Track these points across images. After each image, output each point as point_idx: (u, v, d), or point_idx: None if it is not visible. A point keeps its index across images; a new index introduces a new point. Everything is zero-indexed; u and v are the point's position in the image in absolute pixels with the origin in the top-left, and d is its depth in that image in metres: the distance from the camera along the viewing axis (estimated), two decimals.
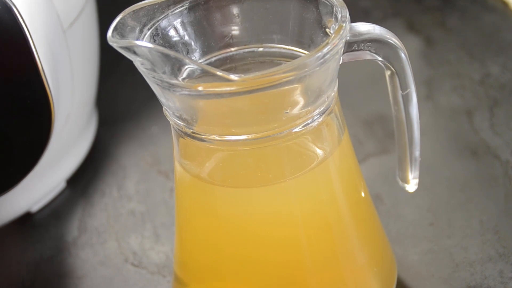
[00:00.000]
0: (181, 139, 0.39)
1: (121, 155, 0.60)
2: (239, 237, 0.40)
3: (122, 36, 0.37)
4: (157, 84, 0.37)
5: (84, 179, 0.58)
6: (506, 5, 0.69)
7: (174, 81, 0.36)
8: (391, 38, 0.39)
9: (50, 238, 0.54)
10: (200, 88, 0.35)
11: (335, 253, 0.41)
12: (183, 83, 0.37)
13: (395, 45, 0.39)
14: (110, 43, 0.36)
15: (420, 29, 0.68)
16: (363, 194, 0.43)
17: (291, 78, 0.35)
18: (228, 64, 0.41)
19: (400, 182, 0.45)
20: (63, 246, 0.53)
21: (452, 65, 0.64)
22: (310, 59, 0.35)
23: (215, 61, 0.41)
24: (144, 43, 0.37)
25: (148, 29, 0.39)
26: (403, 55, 0.39)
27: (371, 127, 0.59)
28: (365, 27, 0.38)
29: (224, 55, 0.41)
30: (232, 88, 0.35)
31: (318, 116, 0.38)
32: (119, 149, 0.60)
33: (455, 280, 0.46)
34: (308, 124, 0.38)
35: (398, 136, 0.43)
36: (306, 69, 0.35)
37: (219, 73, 0.35)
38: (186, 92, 0.36)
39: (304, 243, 0.40)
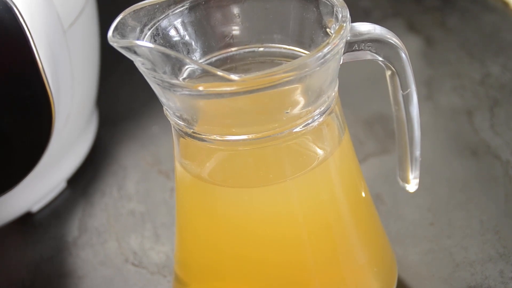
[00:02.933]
0: (181, 139, 0.39)
1: (121, 155, 0.60)
2: (240, 237, 0.40)
3: (123, 36, 0.37)
4: (158, 84, 0.37)
5: (85, 179, 0.58)
6: (506, 5, 0.69)
7: (174, 81, 0.36)
8: (392, 38, 0.39)
9: (50, 238, 0.54)
10: (200, 88, 0.35)
11: (336, 253, 0.41)
12: (183, 83, 0.37)
13: (395, 45, 0.39)
14: (111, 43, 0.36)
15: (420, 29, 0.68)
16: (363, 194, 0.43)
17: (291, 78, 0.35)
18: (228, 64, 0.41)
19: (401, 182, 0.45)
20: (63, 246, 0.53)
21: (452, 65, 0.64)
22: (310, 59, 0.35)
23: (216, 61, 0.41)
24: (145, 43, 0.37)
25: (149, 29, 0.39)
26: (403, 55, 0.39)
27: (371, 127, 0.59)
28: (365, 27, 0.38)
29: (224, 55, 0.41)
30: (233, 88, 0.35)
31: (319, 116, 0.38)
32: (119, 149, 0.60)
33: (455, 280, 0.46)
34: (308, 124, 0.38)
35: (399, 136, 0.43)
36: (307, 69, 0.35)
37: (219, 73, 0.35)
38: (187, 92, 0.36)
39: (305, 243, 0.40)
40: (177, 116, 0.38)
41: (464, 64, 0.64)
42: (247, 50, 0.41)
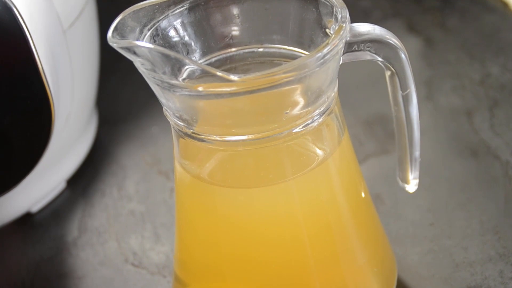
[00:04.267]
0: (181, 139, 0.39)
1: (121, 155, 0.60)
2: (239, 237, 0.40)
3: (122, 36, 0.37)
4: (157, 85, 0.37)
5: (84, 179, 0.58)
6: (506, 5, 0.69)
7: (174, 82, 0.36)
8: (391, 38, 0.39)
9: (50, 238, 0.54)
10: (200, 89, 0.35)
11: (335, 253, 0.41)
12: (183, 83, 0.37)
13: (395, 46, 0.39)
14: (110, 44, 0.36)
15: (420, 30, 0.68)
16: (363, 194, 0.43)
17: (291, 78, 0.35)
18: (228, 64, 0.41)
19: (400, 182, 0.45)
20: (63, 246, 0.53)
21: (452, 65, 0.64)
22: (310, 60, 0.35)
23: (215, 61, 0.41)
24: (144, 44, 0.37)
25: (148, 30, 0.39)
26: (403, 56, 0.39)
27: (371, 128, 0.59)
28: (365, 28, 0.38)
29: (224, 55, 0.41)
30: (232, 89, 0.35)
31: (318, 116, 0.38)
32: (119, 149, 0.60)
33: (455, 280, 0.46)
34: (308, 124, 0.38)
35: (398, 137, 0.43)
36: (306, 70, 0.35)
37: (219, 73, 0.35)
38: (186, 93, 0.36)
39: (304, 243, 0.40)
40: (177, 117, 0.38)
41: (464, 64, 0.64)
42: (246, 50, 0.41)
